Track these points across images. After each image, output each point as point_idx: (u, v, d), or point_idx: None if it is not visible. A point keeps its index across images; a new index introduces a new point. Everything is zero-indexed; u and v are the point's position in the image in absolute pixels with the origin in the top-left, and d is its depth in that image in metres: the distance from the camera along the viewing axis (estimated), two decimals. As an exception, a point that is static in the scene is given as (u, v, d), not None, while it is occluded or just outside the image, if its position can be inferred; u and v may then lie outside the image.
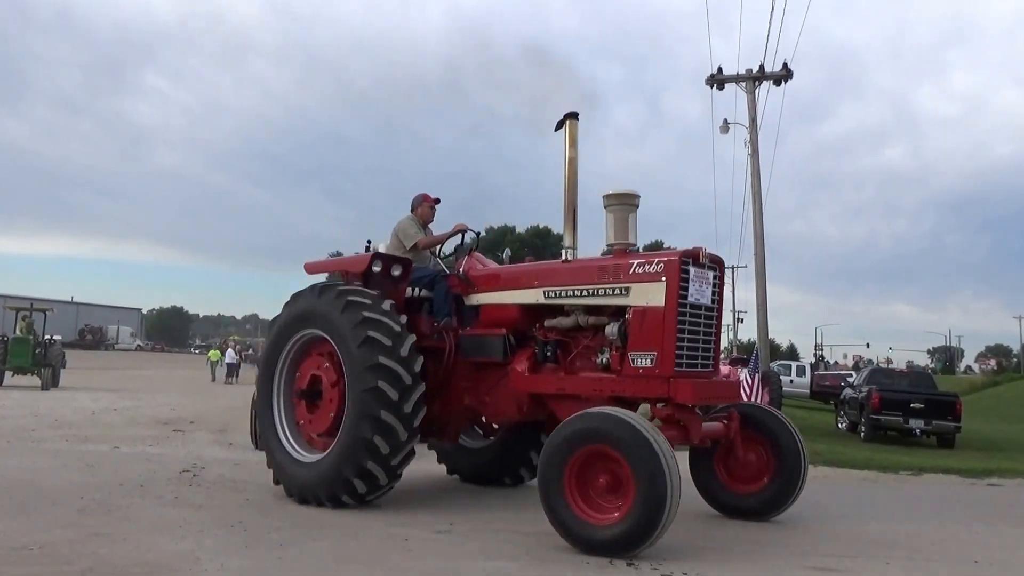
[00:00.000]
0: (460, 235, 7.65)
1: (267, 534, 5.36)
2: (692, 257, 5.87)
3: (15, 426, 11.99)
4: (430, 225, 7.84)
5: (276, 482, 6.98)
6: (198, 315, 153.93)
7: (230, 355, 36.12)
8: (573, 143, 6.59)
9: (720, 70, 21.67)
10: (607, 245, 6.38)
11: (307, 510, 6.36)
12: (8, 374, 23.23)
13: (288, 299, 7.20)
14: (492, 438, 8.22)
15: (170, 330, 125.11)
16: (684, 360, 5.81)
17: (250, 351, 53.29)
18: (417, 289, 7.34)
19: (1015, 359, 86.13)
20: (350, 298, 6.55)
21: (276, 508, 6.39)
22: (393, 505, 6.66)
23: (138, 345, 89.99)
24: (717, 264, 6.12)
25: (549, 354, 6.53)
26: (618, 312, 6.12)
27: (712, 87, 21.79)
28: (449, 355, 6.95)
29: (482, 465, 8.18)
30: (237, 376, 34.21)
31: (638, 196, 6.29)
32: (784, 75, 20.96)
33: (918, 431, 17.88)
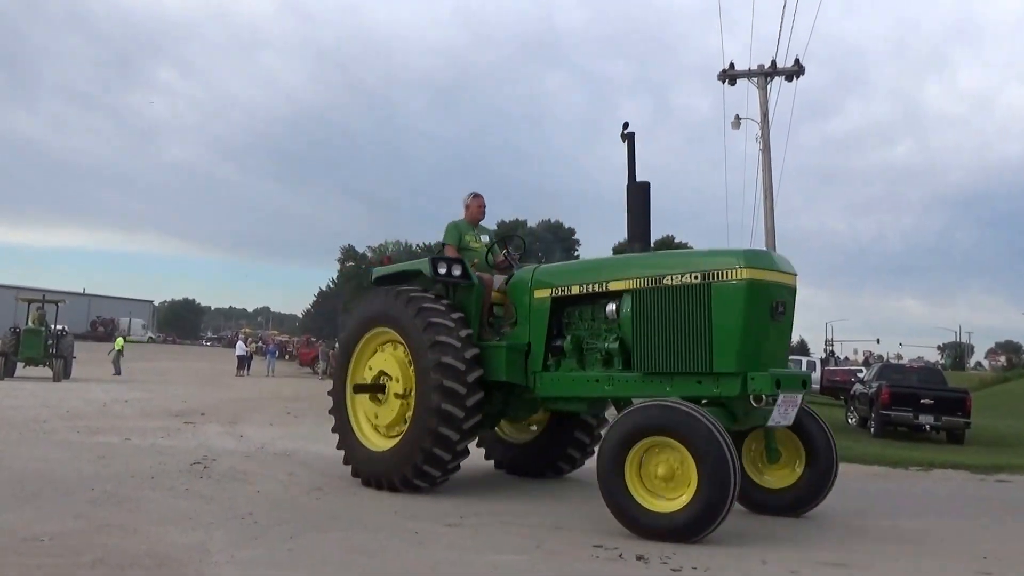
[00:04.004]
0: None
1: (277, 526, 5.37)
2: None
3: (27, 417, 12.08)
4: None
5: None
6: (210, 307, 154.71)
7: (240, 347, 36.27)
8: None
9: (732, 65, 21.63)
10: None
11: (316, 502, 6.36)
12: (20, 365, 23.42)
13: None
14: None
15: (181, 322, 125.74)
16: None
17: (259, 343, 53.54)
18: None
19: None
20: None
21: (286, 500, 6.40)
22: (403, 497, 6.67)
23: (150, 337, 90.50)
24: None
25: None
26: None
27: (724, 82, 21.77)
28: None
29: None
30: (248, 368, 34.33)
31: None
32: (796, 71, 20.93)
33: (928, 427, 17.84)
